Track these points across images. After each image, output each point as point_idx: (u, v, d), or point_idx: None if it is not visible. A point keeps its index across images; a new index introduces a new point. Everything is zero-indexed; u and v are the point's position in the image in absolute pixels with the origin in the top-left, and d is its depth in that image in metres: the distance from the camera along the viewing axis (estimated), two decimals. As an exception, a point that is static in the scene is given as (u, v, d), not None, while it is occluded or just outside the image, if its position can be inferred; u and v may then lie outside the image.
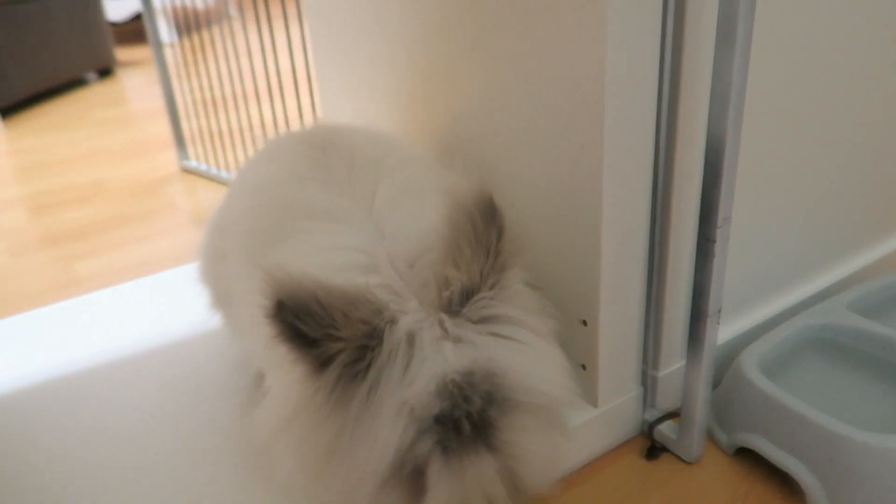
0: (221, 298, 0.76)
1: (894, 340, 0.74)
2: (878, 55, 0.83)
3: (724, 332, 0.80)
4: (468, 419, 0.48)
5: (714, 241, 0.62)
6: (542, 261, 0.71)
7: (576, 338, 0.70)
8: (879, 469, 0.61)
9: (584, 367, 0.71)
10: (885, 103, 0.88)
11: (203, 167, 1.76)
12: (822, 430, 0.63)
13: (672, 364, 0.74)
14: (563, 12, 0.59)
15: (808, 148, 0.81)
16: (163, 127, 1.94)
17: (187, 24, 1.68)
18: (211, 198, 1.62)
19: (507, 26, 0.66)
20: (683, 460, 0.72)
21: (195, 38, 1.71)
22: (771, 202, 0.79)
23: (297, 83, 1.38)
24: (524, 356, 0.50)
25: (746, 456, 0.72)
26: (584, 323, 0.68)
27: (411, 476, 0.49)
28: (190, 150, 1.82)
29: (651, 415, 0.74)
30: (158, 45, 1.74)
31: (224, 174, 1.69)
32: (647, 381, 0.74)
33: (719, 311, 0.65)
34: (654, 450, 0.73)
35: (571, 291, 0.68)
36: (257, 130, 1.60)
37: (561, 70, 0.62)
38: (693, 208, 0.67)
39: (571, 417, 0.69)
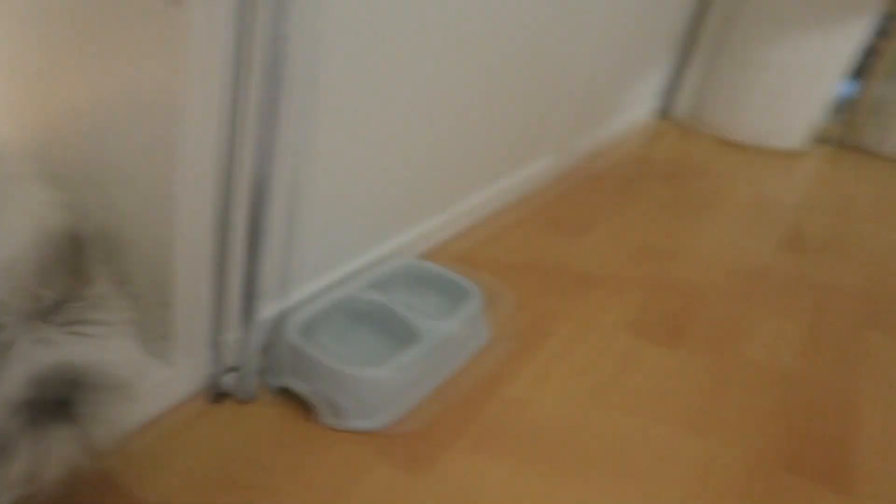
0: None
1: (390, 307, 1.11)
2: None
3: (279, 304, 1.08)
4: (52, 402, 0.66)
5: (257, 253, 0.89)
6: (134, 257, 0.89)
7: (161, 316, 0.90)
8: (366, 388, 0.96)
9: (166, 337, 0.91)
10: (430, 106, 1.24)
11: None
12: (333, 369, 0.96)
13: (234, 331, 0.99)
14: (147, 43, 0.78)
15: (354, 156, 1.12)
16: None
17: None
18: None
19: (103, 52, 0.82)
20: (243, 401, 0.98)
21: None
22: (321, 204, 1.09)
23: None
24: (99, 348, 0.69)
25: (289, 393, 1.01)
26: (167, 304, 0.89)
27: (5, 449, 0.65)
28: None
29: (219, 370, 0.99)
30: None
31: None
32: (217, 345, 0.98)
33: (262, 294, 0.92)
34: (221, 396, 0.98)
35: (158, 282, 0.88)
36: None
37: (143, 96, 0.80)
38: (245, 220, 0.93)
39: (153, 379, 0.90)
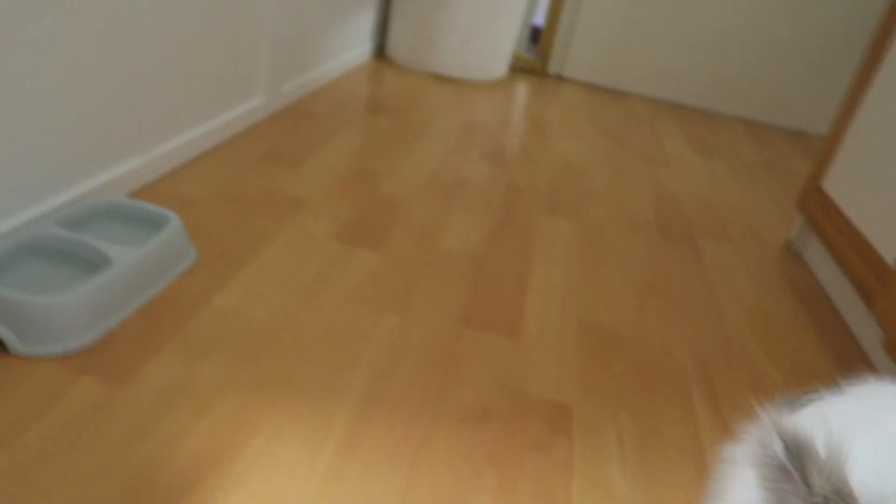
0: None
1: (79, 240, 1.12)
2: None
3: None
4: None
5: None
6: None
7: None
8: (52, 314, 0.97)
9: None
10: (117, 50, 1.22)
11: None
12: (14, 301, 0.95)
13: None
14: None
15: (24, 95, 1.09)
16: None
17: None
18: None
19: None
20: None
21: None
22: (-19, 149, 1.05)
23: None
24: None
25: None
26: None
27: None
28: None
29: None
30: None
31: None
32: None
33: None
34: None
35: None
36: None
37: None
38: None
39: None
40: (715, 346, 1.40)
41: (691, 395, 1.23)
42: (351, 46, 2.78)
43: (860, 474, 0.66)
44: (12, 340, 0.96)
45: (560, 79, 3.48)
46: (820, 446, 0.66)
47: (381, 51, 3.23)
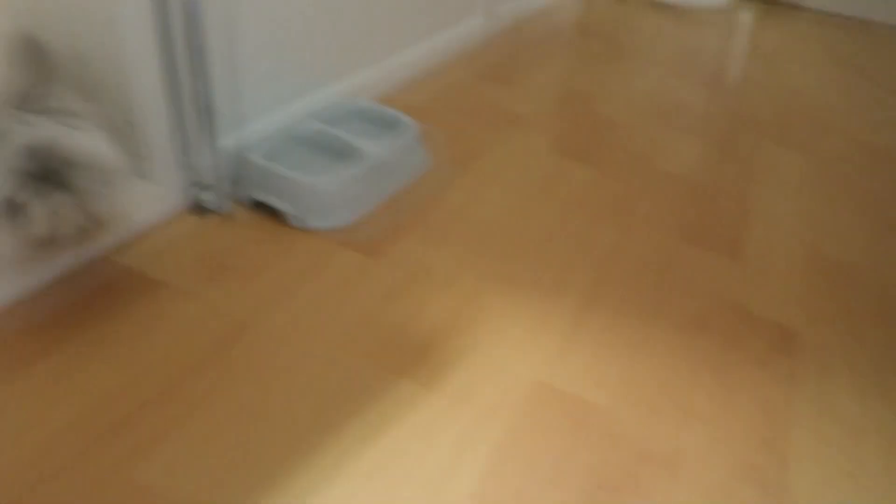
0: None
1: (337, 135, 1.26)
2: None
3: (237, 135, 1.22)
4: (49, 172, 0.79)
5: (203, 77, 1.02)
6: (93, 74, 1.01)
7: (130, 134, 1.04)
8: (313, 193, 1.12)
9: (141, 156, 1.05)
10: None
11: None
12: (292, 181, 1.11)
13: (202, 154, 1.13)
14: None
15: (285, 9, 1.24)
16: None
17: None
18: None
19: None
20: (221, 214, 1.14)
21: None
22: (257, 53, 1.21)
23: None
24: (76, 132, 0.83)
25: (260, 206, 1.17)
26: (132, 123, 1.02)
27: (15, 210, 0.78)
28: None
29: (195, 189, 1.14)
30: None
31: None
32: (189, 167, 1.12)
33: (220, 124, 1.06)
34: (202, 210, 1.13)
35: (118, 101, 1.01)
36: None
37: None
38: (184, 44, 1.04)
39: (140, 193, 1.04)
40: (963, 290, 1.28)
41: (932, 333, 1.14)
42: (567, -29, 2.75)
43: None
44: (290, 214, 1.12)
45: (793, 7, 3.18)
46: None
47: (595, -24, 3.16)
